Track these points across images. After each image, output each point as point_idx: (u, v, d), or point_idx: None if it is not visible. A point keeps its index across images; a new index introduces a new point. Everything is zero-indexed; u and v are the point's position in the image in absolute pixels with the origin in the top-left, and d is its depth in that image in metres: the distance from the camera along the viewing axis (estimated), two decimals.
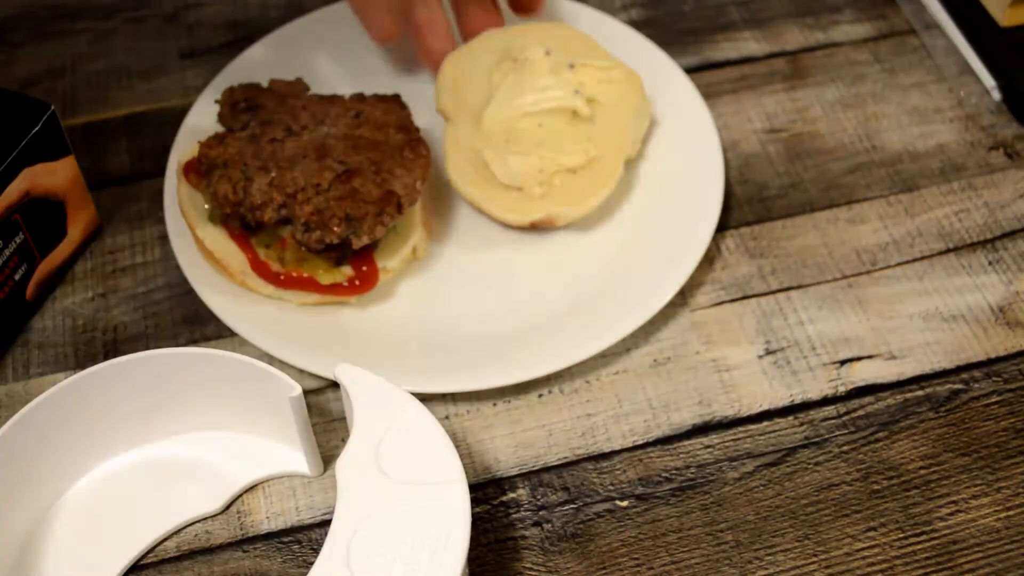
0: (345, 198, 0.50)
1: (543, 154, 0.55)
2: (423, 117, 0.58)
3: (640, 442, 0.51)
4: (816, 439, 0.50)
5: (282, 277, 0.52)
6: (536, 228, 0.56)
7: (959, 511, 0.48)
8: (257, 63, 0.62)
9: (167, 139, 0.61)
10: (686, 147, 0.59)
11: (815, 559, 0.47)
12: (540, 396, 0.52)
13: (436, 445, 0.43)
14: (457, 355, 0.52)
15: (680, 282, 0.53)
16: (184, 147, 0.58)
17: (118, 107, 0.64)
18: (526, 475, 0.50)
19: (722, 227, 0.58)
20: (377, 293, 0.54)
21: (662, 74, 0.62)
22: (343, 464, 0.43)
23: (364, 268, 0.52)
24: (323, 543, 0.40)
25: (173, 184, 0.56)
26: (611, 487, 0.49)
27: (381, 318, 0.54)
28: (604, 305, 0.53)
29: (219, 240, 0.52)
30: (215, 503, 0.48)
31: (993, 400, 0.52)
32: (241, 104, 0.54)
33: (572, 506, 0.49)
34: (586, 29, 0.64)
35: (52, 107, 0.52)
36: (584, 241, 0.57)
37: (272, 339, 0.51)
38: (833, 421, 0.51)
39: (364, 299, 0.54)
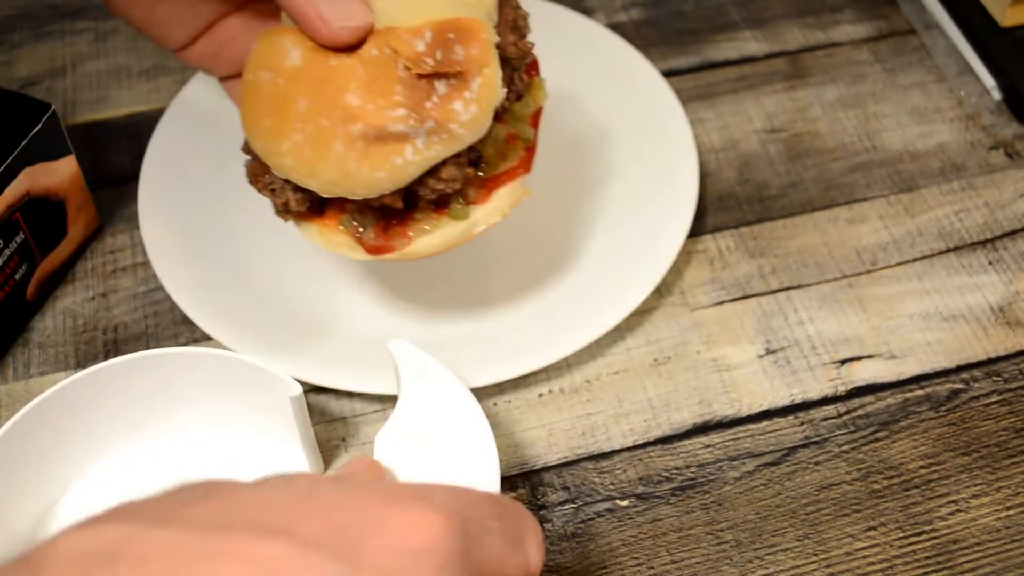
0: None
1: None
2: None
3: (640, 442, 0.51)
4: (816, 439, 0.51)
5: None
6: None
7: (959, 511, 0.48)
8: None
9: None
10: (661, 146, 0.59)
11: (815, 558, 0.47)
12: (540, 396, 0.52)
13: (478, 442, 0.43)
14: (451, 353, 0.52)
15: (660, 274, 0.53)
16: (155, 151, 0.59)
17: (118, 107, 0.64)
18: (526, 475, 0.50)
19: (722, 227, 0.58)
20: (371, 294, 0.54)
21: (638, 77, 0.62)
22: (383, 437, 0.43)
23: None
24: None
25: (147, 195, 0.56)
26: (611, 487, 0.49)
27: (375, 320, 0.54)
28: (588, 302, 0.53)
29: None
30: None
31: (993, 400, 0.52)
32: None
33: (572, 505, 0.49)
34: (562, 30, 0.64)
35: (52, 107, 0.52)
36: (564, 238, 0.57)
37: (261, 348, 0.51)
38: (833, 421, 0.51)
39: (360, 301, 0.54)
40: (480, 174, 0.46)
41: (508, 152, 0.47)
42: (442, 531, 0.31)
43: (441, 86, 0.42)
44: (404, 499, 0.32)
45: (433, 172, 0.44)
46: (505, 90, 0.44)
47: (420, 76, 0.42)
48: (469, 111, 0.43)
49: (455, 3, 0.44)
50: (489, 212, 0.46)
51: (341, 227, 0.46)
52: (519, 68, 0.46)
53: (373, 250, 0.46)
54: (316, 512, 0.30)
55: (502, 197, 0.46)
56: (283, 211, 0.47)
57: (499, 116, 0.46)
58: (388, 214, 0.46)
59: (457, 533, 0.31)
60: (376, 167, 0.43)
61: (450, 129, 0.43)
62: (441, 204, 0.46)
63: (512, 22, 0.46)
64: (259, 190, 0.47)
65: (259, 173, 0.47)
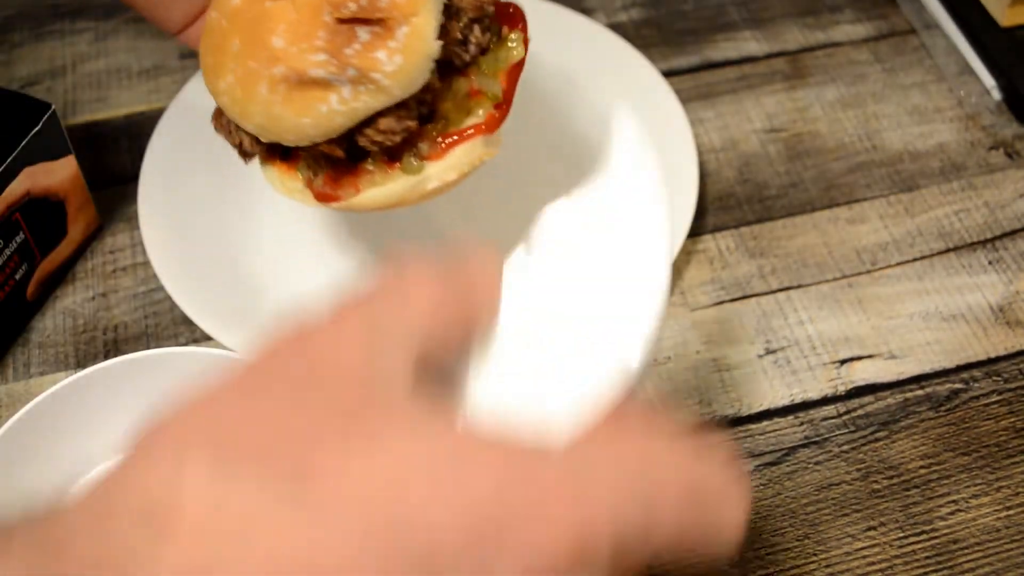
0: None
1: None
2: None
3: None
4: (816, 438, 0.51)
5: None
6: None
7: (959, 510, 0.48)
8: None
9: None
10: (661, 147, 0.59)
11: (815, 558, 0.47)
12: None
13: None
14: None
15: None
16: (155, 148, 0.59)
17: (118, 107, 0.64)
18: None
19: (722, 227, 0.58)
20: None
21: (638, 77, 0.62)
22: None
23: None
24: None
25: (147, 195, 0.56)
26: None
27: None
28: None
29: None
30: None
31: (993, 400, 0.52)
32: None
33: None
34: (562, 30, 0.64)
35: (53, 107, 0.52)
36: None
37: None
38: (833, 420, 0.51)
39: None
40: (435, 130, 0.44)
41: (472, 108, 0.45)
42: (583, 554, 0.26)
43: (363, 33, 0.41)
44: (557, 493, 0.26)
45: (372, 123, 0.42)
46: (440, 43, 0.42)
47: (341, 21, 0.41)
48: (393, 61, 0.41)
49: None
50: (444, 169, 0.44)
51: (299, 173, 0.46)
52: (482, 20, 0.45)
53: (321, 197, 0.45)
54: (473, 504, 0.26)
55: (459, 155, 0.44)
56: (241, 153, 0.46)
57: (462, 70, 0.44)
58: (342, 164, 0.45)
59: (604, 551, 0.26)
60: (299, 113, 0.42)
61: (375, 79, 0.41)
62: (395, 158, 0.44)
63: None
64: (217, 130, 0.46)
65: (219, 114, 0.46)
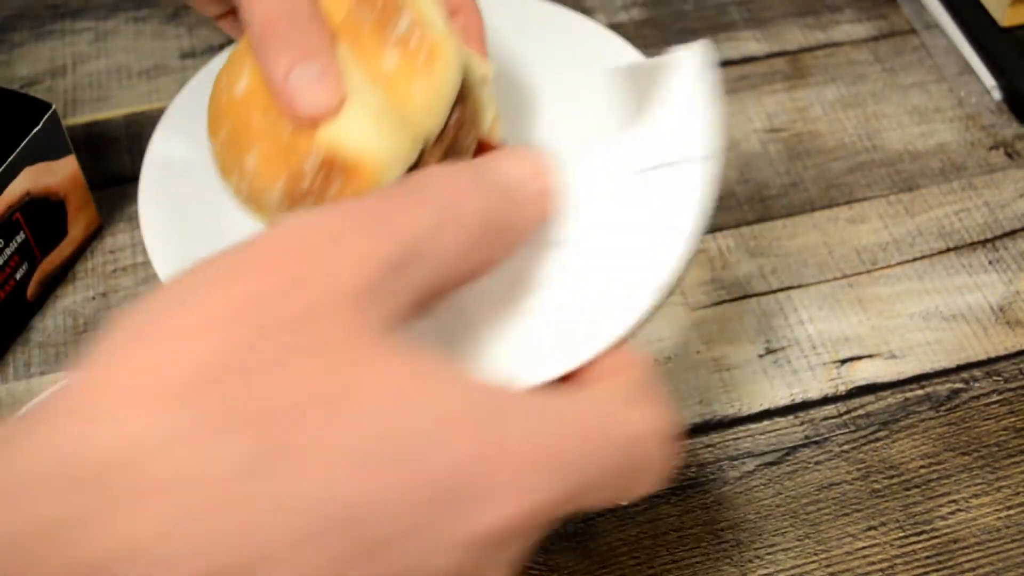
0: None
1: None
2: None
3: None
4: (816, 438, 0.51)
5: None
6: None
7: (959, 510, 0.48)
8: None
9: None
10: None
11: (815, 558, 0.47)
12: None
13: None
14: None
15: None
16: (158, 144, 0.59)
17: (118, 107, 0.64)
18: None
19: (722, 227, 0.58)
20: None
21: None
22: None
23: None
24: None
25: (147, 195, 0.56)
26: None
27: None
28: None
29: None
30: None
31: (993, 399, 0.52)
32: None
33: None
34: (562, 31, 0.64)
35: (53, 106, 0.52)
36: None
37: None
38: (833, 420, 0.51)
39: None
40: None
41: None
42: (524, 531, 0.27)
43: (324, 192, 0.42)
44: (527, 463, 0.27)
45: None
46: None
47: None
48: None
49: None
50: None
51: None
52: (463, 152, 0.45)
53: None
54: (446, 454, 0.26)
55: None
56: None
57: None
58: None
59: (541, 527, 0.28)
60: (256, 214, 0.45)
61: None
62: None
63: (452, 141, 0.44)
64: None
65: None
